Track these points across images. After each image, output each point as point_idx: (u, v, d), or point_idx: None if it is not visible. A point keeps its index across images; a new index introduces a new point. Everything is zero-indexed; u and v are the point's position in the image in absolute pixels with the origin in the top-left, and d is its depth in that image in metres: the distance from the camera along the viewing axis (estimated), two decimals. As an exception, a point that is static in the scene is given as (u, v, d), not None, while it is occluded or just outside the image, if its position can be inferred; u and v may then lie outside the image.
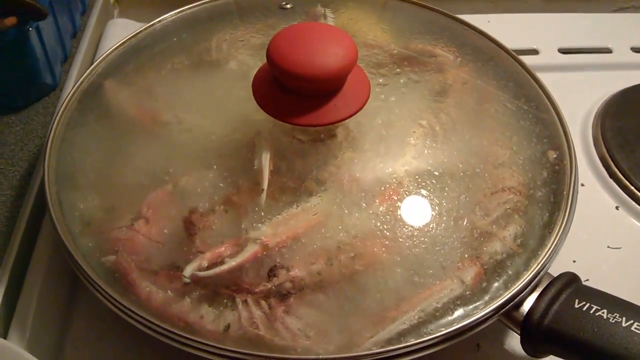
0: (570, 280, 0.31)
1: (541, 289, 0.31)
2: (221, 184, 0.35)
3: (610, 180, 0.43)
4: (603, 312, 0.29)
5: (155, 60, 0.43)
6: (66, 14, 0.49)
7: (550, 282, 0.31)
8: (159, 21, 0.45)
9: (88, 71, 0.41)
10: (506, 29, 0.51)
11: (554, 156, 0.36)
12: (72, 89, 0.40)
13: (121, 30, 0.54)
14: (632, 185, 0.42)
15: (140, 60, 0.43)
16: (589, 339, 0.28)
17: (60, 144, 0.37)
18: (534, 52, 0.54)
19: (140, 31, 0.44)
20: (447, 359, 0.33)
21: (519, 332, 0.31)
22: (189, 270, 0.31)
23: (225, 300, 0.31)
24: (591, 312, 0.29)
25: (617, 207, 0.42)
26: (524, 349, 0.31)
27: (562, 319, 0.29)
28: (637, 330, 0.28)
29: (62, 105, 0.39)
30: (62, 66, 0.48)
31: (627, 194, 0.42)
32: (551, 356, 0.31)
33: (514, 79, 0.41)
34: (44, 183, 0.35)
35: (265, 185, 0.33)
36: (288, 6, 0.44)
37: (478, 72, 0.41)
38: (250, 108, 0.38)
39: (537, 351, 0.30)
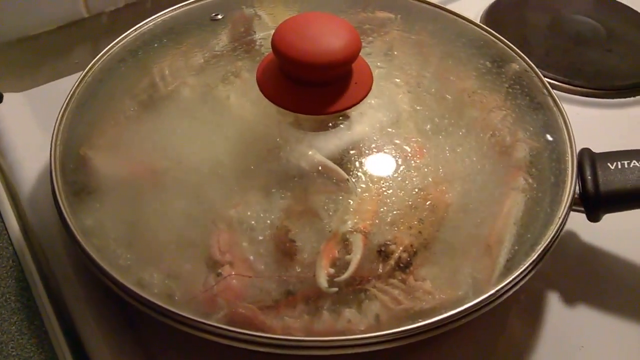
0: (589, 152, 0.37)
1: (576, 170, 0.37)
2: (272, 199, 0.34)
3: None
4: (635, 163, 0.35)
5: (105, 114, 0.39)
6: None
7: (578, 161, 0.37)
8: (88, 71, 0.40)
9: (53, 147, 0.36)
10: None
11: (517, 68, 0.42)
12: (54, 174, 0.34)
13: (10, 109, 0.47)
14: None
15: (91, 118, 0.39)
16: (638, 186, 0.35)
17: (82, 234, 0.32)
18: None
19: (77, 86, 0.39)
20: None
21: (583, 210, 0.36)
22: (323, 282, 0.30)
23: (358, 297, 0.31)
24: (626, 167, 0.35)
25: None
26: (590, 220, 0.36)
27: (611, 181, 0.35)
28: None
29: (57, 195, 0.33)
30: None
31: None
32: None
33: (438, 20, 0.46)
34: (115, 280, 0.31)
35: (345, 175, 0.33)
36: (219, 17, 0.43)
37: (415, 25, 0.45)
38: (241, 120, 0.38)
39: (601, 216, 0.36)
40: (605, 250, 0.40)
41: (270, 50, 0.39)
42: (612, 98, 0.51)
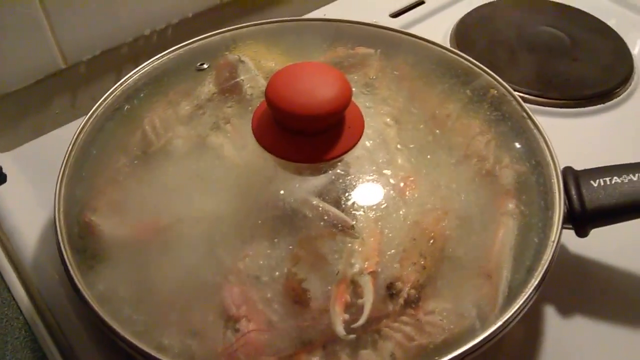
0: (572, 171, 0.39)
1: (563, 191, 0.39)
2: (278, 248, 0.35)
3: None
4: (616, 179, 0.37)
5: (101, 174, 0.40)
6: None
7: (563, 180, 0.39)
8: (80, 132, 0.41)
9: (57, 215, 0.36)
10: (343, 14, 0.57)
11: (495, 93, 0.44)
12: (61, 244, 0.34)
13: None
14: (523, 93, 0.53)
15: (88, 181, 0.39)
16: (622, 201, 0.37)
17: (97, 302, 0.33)
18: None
19: (71, 149, 0.39)
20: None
21: (571, 227, 0.38)
22: (340, 329, 0.31)
23: (372, 337, 0.33)
24: (608, 183, 0.37)
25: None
26: (579, 236, 0.38)
27: (596, 199, 0.37)
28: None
29: (68, 266, 0.34)
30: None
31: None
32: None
33: (415, 50, 0.48)
34: (135, 347, 0.31)
35: (350, 222, 0.34)
36: (205, 66, 0.44)
37: (395, 58, 0.46)
38: (238, 169, 0.39)
39: (589, 231, 0.38)
40: (593, 259, 0.43)
41: (260, 98, 0.40)
42: (583, 107, 0.54)
